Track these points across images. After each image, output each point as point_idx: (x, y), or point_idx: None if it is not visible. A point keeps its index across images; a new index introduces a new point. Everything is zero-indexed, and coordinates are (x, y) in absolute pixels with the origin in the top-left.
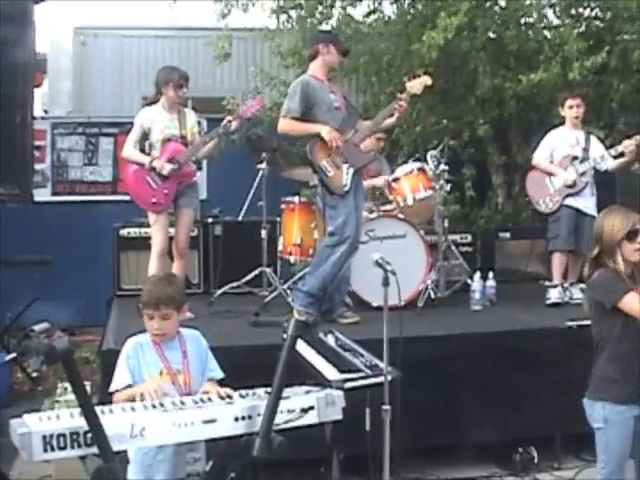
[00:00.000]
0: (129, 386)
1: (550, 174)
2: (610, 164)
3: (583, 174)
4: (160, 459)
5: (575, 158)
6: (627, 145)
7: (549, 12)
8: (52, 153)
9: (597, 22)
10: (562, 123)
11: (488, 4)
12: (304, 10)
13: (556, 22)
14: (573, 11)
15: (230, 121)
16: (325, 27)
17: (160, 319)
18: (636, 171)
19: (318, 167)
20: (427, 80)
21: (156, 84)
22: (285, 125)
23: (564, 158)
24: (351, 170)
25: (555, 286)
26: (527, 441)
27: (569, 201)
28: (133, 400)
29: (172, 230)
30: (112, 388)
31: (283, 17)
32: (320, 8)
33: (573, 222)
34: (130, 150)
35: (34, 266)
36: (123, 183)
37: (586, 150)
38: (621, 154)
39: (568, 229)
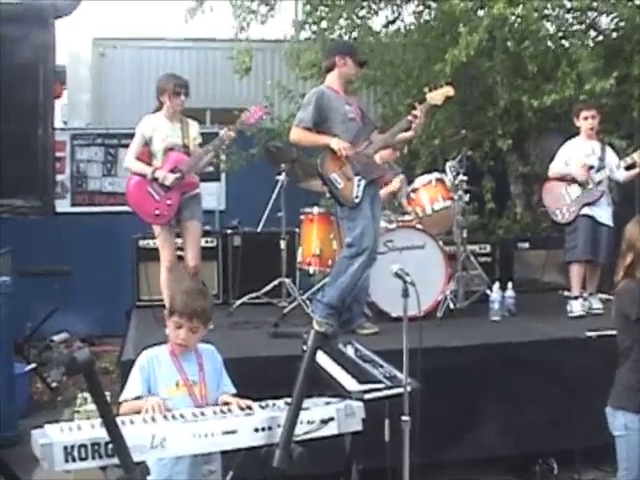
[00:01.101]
0: (139, 397)
1: (566, 182)
2: (622, 175)
3: (599, 183)
4: (177, 471)
5: (591, 167)
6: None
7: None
8: (71, 164)
9: (615, 32)
10: (577, 134)
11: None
12: (326, 21)
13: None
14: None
15: (229, 129)
16: (346, 39)
17: (188, 330)
18: None
19: (328, 179)
20: (449, 91)
21: (156, 93)
22: (296, 135)
23: (581, 168)
24: (362, 182)
25: (576, 298)
26: (547, 453)
27: (586, 210)
28: (138, 412)
29: (179, 240)
30: (122, 397)
31: (303, 33)
32: (341, 21)
33: (590, 232)
34: (131, 161)
35: (53, 276)
36: (125, 195)
37: (602, 159)
38: (633, 165)
39: (585, 239)
